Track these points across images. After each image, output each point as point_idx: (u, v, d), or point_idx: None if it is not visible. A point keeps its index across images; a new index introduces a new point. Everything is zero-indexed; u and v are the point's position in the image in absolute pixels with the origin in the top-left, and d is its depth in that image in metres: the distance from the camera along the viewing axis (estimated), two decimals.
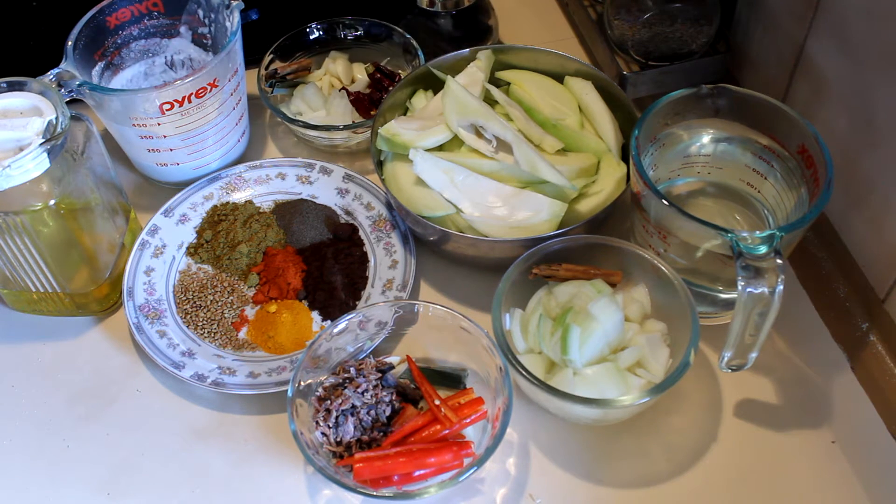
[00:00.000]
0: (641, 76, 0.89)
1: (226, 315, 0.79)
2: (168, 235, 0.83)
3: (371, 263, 0.81)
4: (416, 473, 0.65)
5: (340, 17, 0.96)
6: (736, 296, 0.63)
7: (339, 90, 0.92)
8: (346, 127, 0.87)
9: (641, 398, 0.64)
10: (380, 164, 0.81)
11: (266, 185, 0.87)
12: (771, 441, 0.71)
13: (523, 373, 0.65)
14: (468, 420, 0.68)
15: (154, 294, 0.79)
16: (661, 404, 0.72)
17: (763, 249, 0.62)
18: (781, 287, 0.61)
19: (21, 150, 0.67)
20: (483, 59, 0.86)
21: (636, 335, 0.70)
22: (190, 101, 0.79)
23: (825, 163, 0.67)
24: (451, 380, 0.72)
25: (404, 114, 0.86)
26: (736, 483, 0.69)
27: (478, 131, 0.79)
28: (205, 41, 0.88)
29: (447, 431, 0.67)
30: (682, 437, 0.71)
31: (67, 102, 0.72)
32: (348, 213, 0.85)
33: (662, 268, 0.70)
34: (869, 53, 0.70)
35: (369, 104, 0.91)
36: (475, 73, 0.85)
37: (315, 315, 0.79)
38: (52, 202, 0.71)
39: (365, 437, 0.68)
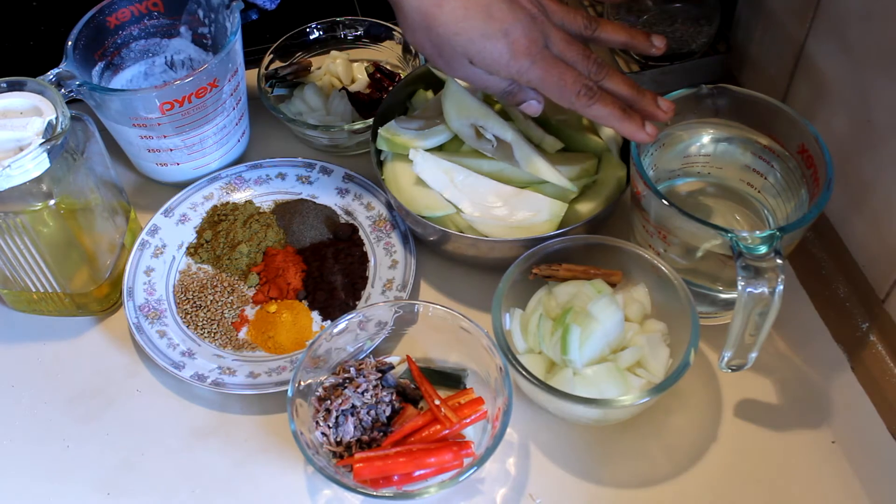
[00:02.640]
0: (641, 76, 0.89)
1: (226, 315, 0.79)
2: (168, 235, 0.83)
3: (371, 263, 0.81)
4: (416, 473, 0.65)
5: (340, 17, 0.96)
6: (736, 296, 0.63)
7: (339, 90, 0.92)
8: (346, 127, 0.87)
9: (641, 398, 0.64)
10: (380, 164, 0.81)
11: (266, 185, 0.87)
12: (771, 441, 0.71)
13: (523, 373, 0.65)
14: (468, 420, 0.68)
15: (154, 294, 0.79)
16: (661, 404, 0.72)
17: (763, 249, 0.62)
18: (781, 287, 0.61)
19: (21, 150, 0.67)
20: None
21: (636, 335, 0.70)
22: (190, 101, 0.79)
23: (825, 163, 0.67)
24: (451, 380, 0.72)
25: (404, 114, 0.86)
26: (736, 483, 0.69)
27: (478, 131, 0.79)
28: (205, 41, 0.88)
29: (447, 431, 0.67)
30: (682, 437, 0.71)
31: (67, 102, 0.72)
32: (348, 213, 0.85)
33: (662, 268, 0.70)
34: (869, 53, 0.70)
35: (369, 104, 0.91)
36: None
37: (315, 315, 0.79)
38: (52, 202, 0.71)
39: (365, 437, 0.68)
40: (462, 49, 0.66)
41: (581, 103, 0.67)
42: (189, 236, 0.84)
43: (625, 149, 0.82)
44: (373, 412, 0.69)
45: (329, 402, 0.69)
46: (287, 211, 0.84)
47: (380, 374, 0.71)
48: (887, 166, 0.69)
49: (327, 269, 0.80)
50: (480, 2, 0.65)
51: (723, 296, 0.73)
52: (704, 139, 0.76)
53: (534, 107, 0.70)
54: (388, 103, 0.84)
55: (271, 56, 0.93)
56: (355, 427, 0.68)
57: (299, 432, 0.65)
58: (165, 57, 0.89)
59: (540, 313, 0.71)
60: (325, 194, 0.86)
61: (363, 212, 0.85)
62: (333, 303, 0.79)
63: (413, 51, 0.91)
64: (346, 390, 0.69)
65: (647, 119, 0.69)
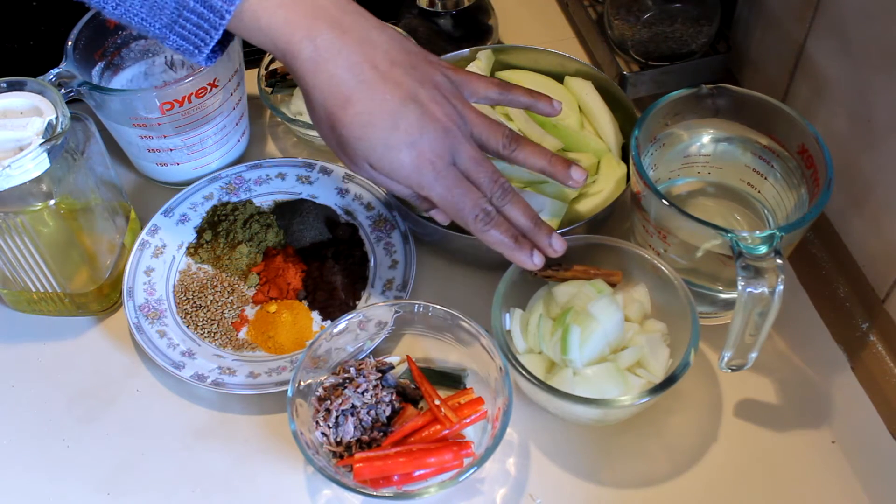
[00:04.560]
0: (641, 76, 0.89)
1: (226, 315, 0.79)
2: (168, 235, 0.83)
3: (371, 263, 0.81)
4: (416, 473, 0.65)
5: None
6: (736, 296, 0.63)
7: None
8: None
9: (641, 398, 0.64)
10: None
11: (266, 185, 0.87)
12: (771, 441, 0.71)
13: (523, 373, 0.65)
14: (468, 420, 0.68)
15: (154, 294, 0.79)
16: (661, 404, 0.72)
17: (763, 249, 0.62)
18: (781, 287, 0.61)
19: (21, 150, 0.67)
20: (483, 59, 0.86)
21: (636, 335, 0.70)
22: (190, 101, 0.79)
23: (825, 163, 0.67)
24: (451, 380, 0.72)
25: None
26: (736, 483, 0.69)
27: None
28: None
29: (447, 431, 0.67)
30: (682, 437, 0.71)
31: (67, 102, 0.72)
32: (348, 213, 0.85)
33: (662, 268, 0.70)
34: (869, 53, 0.70)
35: None
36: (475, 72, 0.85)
37: (315, 315, 0.79)
38: (52, 202, 0.71)
39: (365, 437, 0.68)
40: (363, 154, 0.64)
41: (477, 227, 0.66)
42: (189, 236, 0.84)
43: (625, 149, 0.82)
44: (373, 412, 0.69)
45: (329, 402, 0.69)
46: (287, 211, 0.84)
47: (380, 374, 0.71)
48: (887, 166, 0.69)
49: (327, 269, 0.80)
50: (388, 109, 0.62)
51: (723, 296, 0.73)
52: (704, 139, 0.76)
53: (442, 217, 0.70)
54: None
55: (271, 56, 0.93)
56: (355, 427, 0.68)
57: (299, 432, 0.65)
58: (165, 57, 0.89)
59: (540, 313, 0.71)
60: (325, 194, 0.86)
61: (363, 212, 0.85)
62: (333, 303, 0.79)
63: None
64: (346, 390, 0.69)
65: (543, 249, 0.68)
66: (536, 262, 0.68)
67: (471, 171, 0.66)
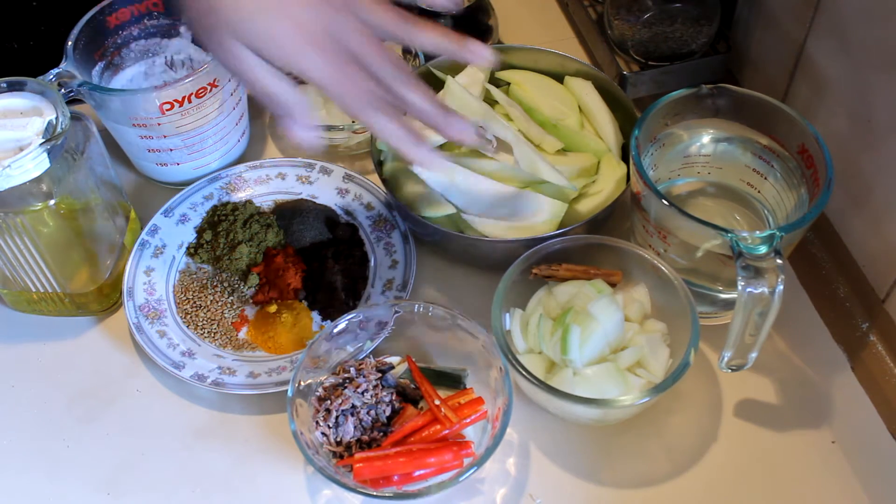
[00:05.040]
0: (641, 76, 0.89)
1: (226, 315, 0.79)
2: (168, 235, 0.83)
3: (371, 263, 0.81)
4: (416, 473, 0.65)
5: None
6: (736, 296, 0.63)
7: None
8: (346, 127, 0.87)
9: (641, 398, 0.64)
10: (380, 164, 0.81)
11: (266, 185, 0.87)
12: (771, 441, 0.71)
13: (523, 373, 0.65)
14: (468, 420, 0.68)
15: (154, 294, 0.79)
16: (661, 404, 0.72)
17: (763, 249, 0.62)
18: (781, 287, 0.61)
19: (21, 150, 0.67)
20: None
21: (636, 335, 0.70)
22: (190, 101, 0.79)
23: (825, 163, 0.67)
24: (451, 380, 0.72)
25: (404, 114, 0.86)
26: (736, 483, 0.69)
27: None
28: None
29: (447, 431, 0.67)
30: (682, 437, 0.71)
31: (67, 102, 0.72)
32: (348, 213, 0.85)
33: (662, 268, 0.70)
34: (869, 53, 0.70)
35: None
36: (475, 73, 0.85)
37: (315, 315, 0.79)
38: (52, 202, 0.71)
39: (365, 437, 0.68)
40: (233, 26, 0.55)
41: (365, 114, 0.59)
42: (189, 236, 0.84)
43: (625, 149, 0.82)
44: (373, 412, 0.69)
45: (329, 402, 0.69)
46: (287, 211, 0.84)
47: (380, 374, 0.71)
48: (887, 166, 0.69)
49: (327, 269, 0.80)
50: None
51: (723, 296, 0.74)
52: (704, 139, 0.76)
53: (298, 133, 0.60)
54: None
55: None
56: (355, 427, 0.68)
57: (299, 432, 0.65)
58: (165, 57, 0.89)
59: (540, 313, 0.71)
60: (325, 194, 0.86)
61: (363, 212, 0.85)
62: (333, 303, 0.79)
63: (413, 51, 0.91)
64: (346, 390, 0.69)
65: (451, 138, 0.62)
66: (432, 158, 0.61)
67: (363, 52, 0.58)
